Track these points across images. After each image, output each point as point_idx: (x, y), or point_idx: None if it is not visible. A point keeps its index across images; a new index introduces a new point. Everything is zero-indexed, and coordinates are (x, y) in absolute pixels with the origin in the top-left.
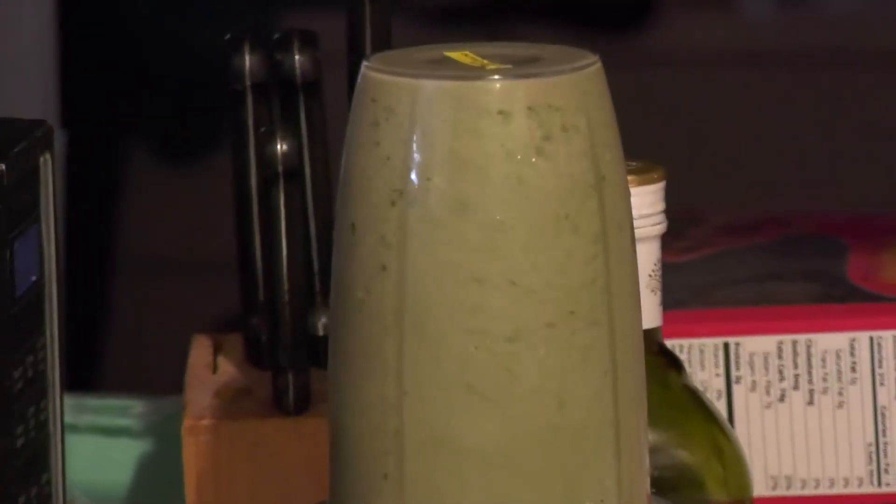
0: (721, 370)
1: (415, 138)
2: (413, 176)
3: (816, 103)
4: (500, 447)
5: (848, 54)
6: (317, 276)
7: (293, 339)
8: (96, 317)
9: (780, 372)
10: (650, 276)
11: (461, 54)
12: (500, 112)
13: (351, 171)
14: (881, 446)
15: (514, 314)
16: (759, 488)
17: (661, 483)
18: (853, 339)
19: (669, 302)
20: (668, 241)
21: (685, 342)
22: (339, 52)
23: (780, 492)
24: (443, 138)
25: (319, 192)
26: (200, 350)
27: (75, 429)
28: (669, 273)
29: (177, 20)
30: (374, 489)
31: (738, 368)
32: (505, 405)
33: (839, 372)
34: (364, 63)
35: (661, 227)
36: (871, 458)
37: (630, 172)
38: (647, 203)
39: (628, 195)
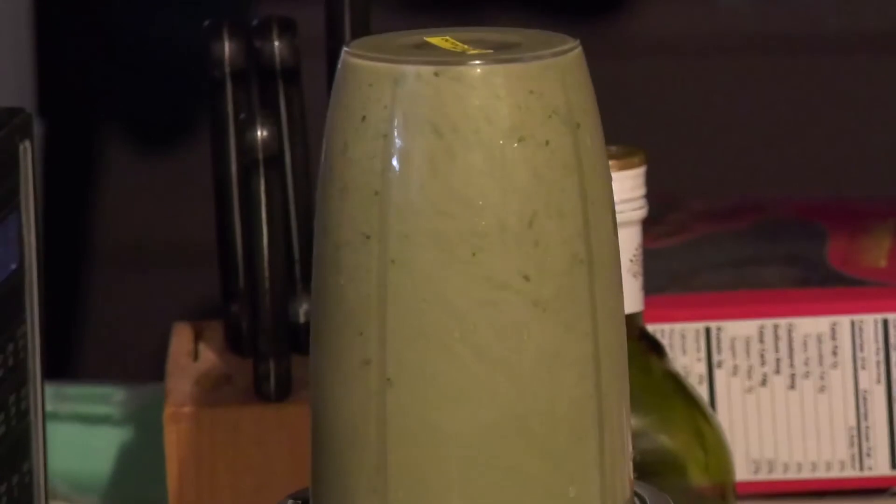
0: (703, 355)
1: (396, 123)
2: (394, 161)
3: (795, 89)
4: (483, 435)
5: (827, 39)
6: (297, 263)
7: (274, 326)
8: (76, 305)
9: (762, 356)
10: (631, 260)
11: (442, 39)
12: (482, 97)
13: (332, 157)
14: (863, 430)
15: (497, 300)
16: (742, 472)
17: (643, 468)
18: (834, 324)
19: (649, 287)
20: (647, 226)
21: (666, 327)
22: (317, 40)
23: (763, 476)
24: (424, 123)
25: (299, 179)
26: (181, 338)
27: (55, 417)
28: (648, 258)
29: (154, 7)
30: (356, 477)
31: (719, 353)
32: (487, 393)
33: (820, 356)
34: (344, 49)
35: (641, 212)
36: (852, 441)
37: (611, 157)
38: (627, 188)
39: (610, 180)
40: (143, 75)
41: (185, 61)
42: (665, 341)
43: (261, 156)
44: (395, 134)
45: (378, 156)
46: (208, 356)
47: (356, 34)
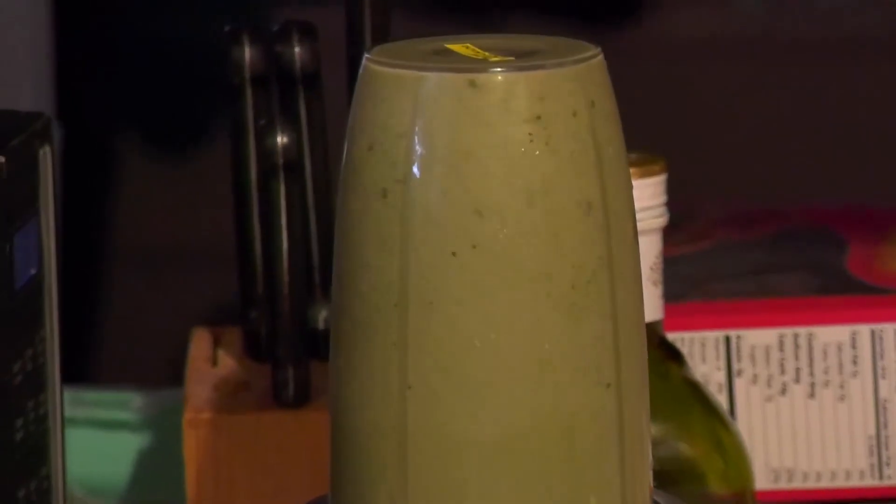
0: (722, 363)
1: (417, 130)
2: (415, 168)
3: (814, 95)
4: (504, 442)
5: (846, 44)
6: (316, 269)
7: (293, 332)
8: (94, 310)
9: (782, 365)
10: (651, 268)
11: (462, 46)
12: (503, 104)
13: (352, 163)
14: (882, 439)
15: (518, 307)
16: (761, 481)
17: (663, 476)
18: (854, 332)
19: (667, 295)
20: (665, 233)
21: (686, 335)
22: (337, 45)
23: (782, 485)
24: (445, 131)
25: (319, 185)
26: (200, 343)
27: (73, 422)
28: (667, 266)
29: (173, 12)
30: (375, 483)
31: (739, 361)
32: (508, 401)
33: (840, 365)
34: (366, 55)
35: (662, 220)
36: (872, 451)
37: (631, 165)
38: (647, 195)
39: (630, 187)
40: (161, 80)
41: (203, 67)
42: (684, 349)
43: (281, 161)
44: (416, 140)
45: (399, 162)
46: (227, 362)
47: (376, 40)
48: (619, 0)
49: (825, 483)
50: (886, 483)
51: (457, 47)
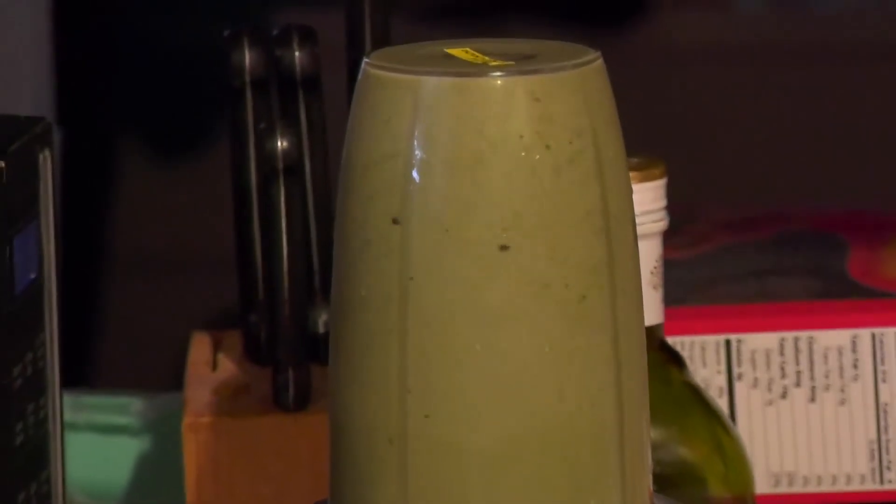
0: (723, 367)
1: (416, 134)
2: (415, 173)
3: (815, 98)
4: (504, 446)
5: (848, 48)
6: (316, 273)
7: (293, 336)
8: (94, 314)
9: (782, 369)
10: (652, 272)
11: (462, 51)
12: (503, 109)
13: (352, 167)
14: (883, 443)
15: (519, 312)
16: (762, 485)
17: (663, 480)
18: (855, 336)
19: (668, 298)
20: (666, 237)
21: (686, 339)
22: (337, 49)
23: (782, 489)
24: (444, 135)
25: (319, 189)
26: (200, 347)
27: (73, 427)
28: (667, 269)
29: (173, 16)
30: (375, 487)
31: (739, 365)
32: (508, 405)
33: (841, 369)
34: (365, 60)
35: (662, 224)
36: (873, 455)
37: (631, 169)
38: (648, 199)
39: (630, 191)
40: (161, 84)
41: (204, 70)
42: (685, 353)
43: (281, 165)
44: (416, 144)
45: (399, 166)
46: (227, 366)
47: (376, 44)
48: (618, 4)
49: (826, 487)
50: (887, 487)
51: (456, 52)
